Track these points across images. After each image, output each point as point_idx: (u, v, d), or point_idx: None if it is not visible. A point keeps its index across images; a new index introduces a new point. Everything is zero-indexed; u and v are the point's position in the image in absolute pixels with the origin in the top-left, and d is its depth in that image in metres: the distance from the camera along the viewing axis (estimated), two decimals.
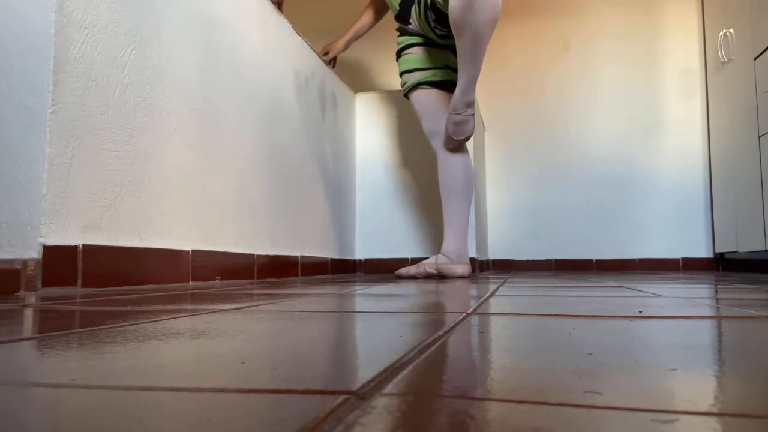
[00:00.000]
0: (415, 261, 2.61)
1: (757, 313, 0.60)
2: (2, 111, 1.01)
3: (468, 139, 1.88)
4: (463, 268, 1.92)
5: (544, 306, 0.70)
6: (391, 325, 0.51)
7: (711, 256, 3.14)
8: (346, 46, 2.39)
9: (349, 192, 2.62)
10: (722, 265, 3.11)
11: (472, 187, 2.00)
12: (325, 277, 2.15)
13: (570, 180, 3.30)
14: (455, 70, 1.95)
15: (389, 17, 3.42)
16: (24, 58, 1.02)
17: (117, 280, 1.16)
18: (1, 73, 1.02)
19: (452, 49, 1.96)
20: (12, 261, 0.97)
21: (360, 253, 2.68)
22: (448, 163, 1.96)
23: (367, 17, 2.33)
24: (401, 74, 2.01)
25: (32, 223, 0.99)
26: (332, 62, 2.44)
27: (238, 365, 0.32)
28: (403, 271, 1.97)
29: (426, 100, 1.96)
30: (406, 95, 2.02)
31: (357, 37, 2.36)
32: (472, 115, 1.81)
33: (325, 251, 2.31)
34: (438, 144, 1.97)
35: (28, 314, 0.61)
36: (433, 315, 0.59)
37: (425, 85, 1.95)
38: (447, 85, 1.95)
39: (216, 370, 0.30)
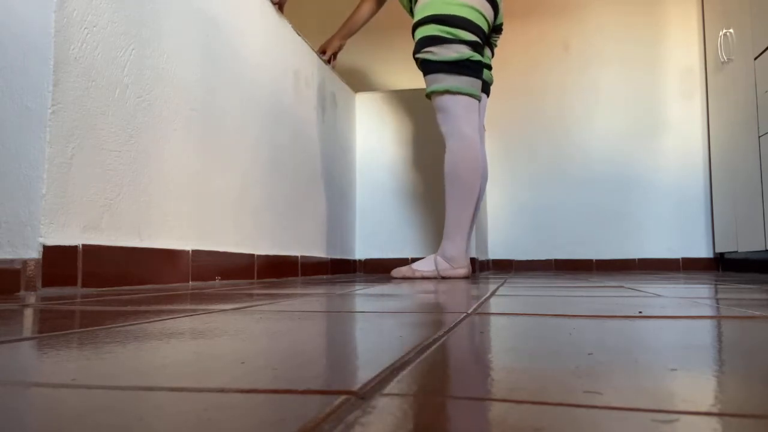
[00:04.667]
0: (415, 261, 2.61)
1: (757, 313, 0.60)
2: (2, 111, 1.01)
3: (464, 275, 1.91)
4: (462, 270, 1.91)
5: (544, 306, 0.70)
6: (391, 325, 0.51)
7: (711, 256, 3.14)
8: (342, 42, 2.35)
9: (349, 192, 2.62)
10: (722, 265, 3.11)
11: (480, 188, 1.97)
12: (325, 277, 2.15)
13: (570, 180, 3.30)
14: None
15: (386, 13, 3.42)
16: (24, 58, 1.02)
17: (117, 280, 1.16)
18: (1, 73, 1.02)
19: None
20: (12, 261, 0.97)
21: (360, 253, 2.68)
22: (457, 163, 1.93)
23: (367, 7, 2.24)
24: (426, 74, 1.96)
25: (32, 223, 0.99)
26: (330, 60, 2.41)
27: (239, 365, 0.32)
28: (401, 272, 1.96)
29: (449, 104, 1.92)
30: (428, 96, 1.97)
31: (353, 30, 2.28)
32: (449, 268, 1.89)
33: (325, 251, 2.31)
34: (452, 143, 1.93)
35: (28, 314, 0.61)
36: (433, 315, 0.59)
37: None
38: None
39: (216, 370, 0.30)
